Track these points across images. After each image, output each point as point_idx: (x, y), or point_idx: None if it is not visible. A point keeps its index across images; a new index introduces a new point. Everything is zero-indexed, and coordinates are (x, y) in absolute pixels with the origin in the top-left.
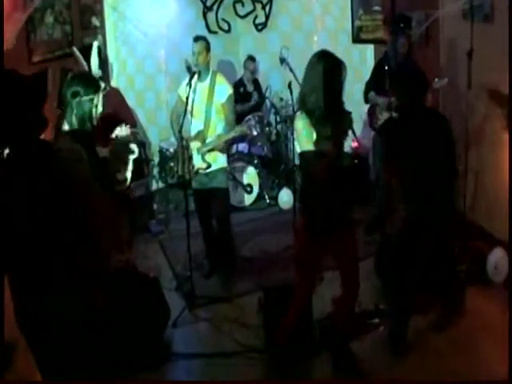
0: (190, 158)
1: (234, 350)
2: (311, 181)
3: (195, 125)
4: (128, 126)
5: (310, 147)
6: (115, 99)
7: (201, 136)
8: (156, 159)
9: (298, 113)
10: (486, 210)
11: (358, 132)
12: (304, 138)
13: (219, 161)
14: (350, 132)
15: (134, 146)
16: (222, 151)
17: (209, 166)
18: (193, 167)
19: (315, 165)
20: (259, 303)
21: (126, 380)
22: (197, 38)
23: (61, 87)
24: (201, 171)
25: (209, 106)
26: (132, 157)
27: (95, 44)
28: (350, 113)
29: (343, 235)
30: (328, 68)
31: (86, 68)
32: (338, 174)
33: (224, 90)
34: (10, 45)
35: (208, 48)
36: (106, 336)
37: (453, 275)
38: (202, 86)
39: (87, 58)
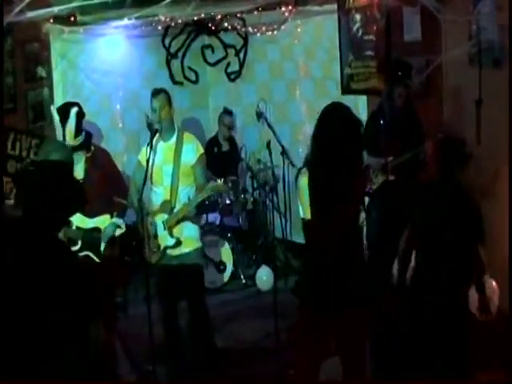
0: (155, 235)
1: None
2: (312, 251)
3: (159, 194)
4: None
5: (310, 211)
6: (102, 162)
7: (167, 206)
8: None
9: (304, 169)
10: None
11: None
12: (307, 199)
13: (191, 234)
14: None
15: (120, 222)
16: (194, 221)
17: (178, 242)
18: (158, 247)
19: (317, 233)
20: None
21: None
22: (156, 92)
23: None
24: (169, 251)
25: (175, 171)
26: (119, 232)
27: (74, 110)
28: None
29: (349, 316)
30: (345, 125)
31: (61, 134)
32: (344, 244)
33: (193, 149)
34: None
35: (170, 101)
36: None
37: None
38: (167, 147)
39: (64, 122)
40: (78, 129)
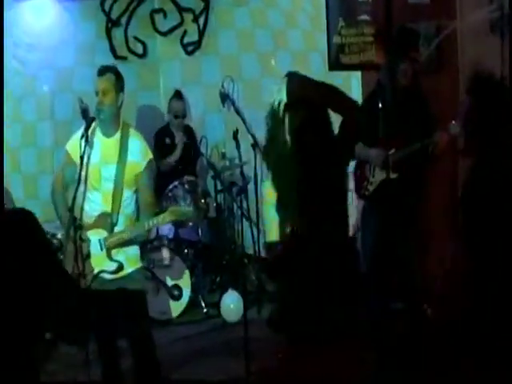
0: (88, 255)
1: None
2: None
3: (96, 203)
4: None
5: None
6: None
7: (105, 220)
8: None
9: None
10: None
11: None
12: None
13: (132, 255)
14: None
15: None
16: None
17: (120, 266)
18: (91, 270)
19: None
20: None
21: None
22: (102, 70)
23: None
24: (106, 275)
25: (119, 176)
26: None
27: None
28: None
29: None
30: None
31: None
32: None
33: (141, 152)
34: None
35: (119, 85)
36: None
37: None
38: (109, 144)
39: None
40: None
